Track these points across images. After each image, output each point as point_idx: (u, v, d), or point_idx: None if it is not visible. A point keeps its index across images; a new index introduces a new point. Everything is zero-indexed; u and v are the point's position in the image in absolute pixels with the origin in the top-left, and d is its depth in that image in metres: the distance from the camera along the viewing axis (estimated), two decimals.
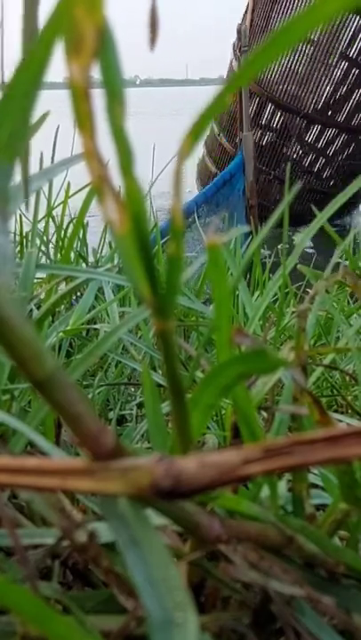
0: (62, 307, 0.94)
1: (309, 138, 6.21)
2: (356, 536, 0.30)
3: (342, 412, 0.69)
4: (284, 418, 0.33)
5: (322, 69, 5.81)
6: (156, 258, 1.09)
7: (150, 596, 0.18)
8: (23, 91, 0.20)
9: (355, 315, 0.91)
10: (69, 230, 1.07)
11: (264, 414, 0.49)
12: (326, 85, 5.93)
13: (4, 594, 0.17)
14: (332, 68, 5.86)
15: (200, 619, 0.27)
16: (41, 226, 1.03)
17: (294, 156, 6.18)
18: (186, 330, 0.96)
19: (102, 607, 0.27)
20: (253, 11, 5.91)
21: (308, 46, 5.76)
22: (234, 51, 5.93)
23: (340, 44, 5.79)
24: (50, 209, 1.08)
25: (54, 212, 1.09)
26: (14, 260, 0.62)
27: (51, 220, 1.08)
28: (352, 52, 5.88)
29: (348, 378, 0.73)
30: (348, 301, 1.13)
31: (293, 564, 0.27)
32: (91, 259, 1.20)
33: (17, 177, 0.23)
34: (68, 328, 0.68)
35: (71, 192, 1.09)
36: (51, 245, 1.08)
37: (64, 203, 1.09)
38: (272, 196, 6.08)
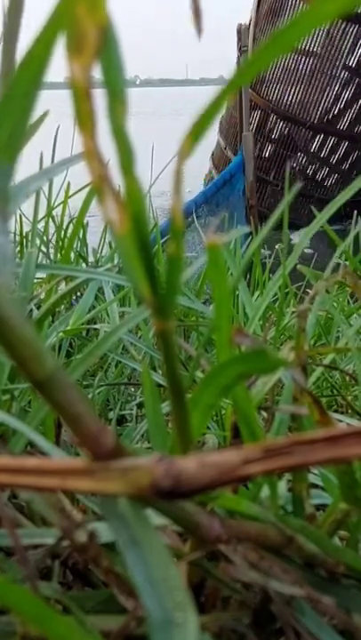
0: (62, 307, 0.94)
1: (313, 147, 6.19)
2: (356, 536, 0.30)
3: (342, 412, 0.69)
4: (284, 418, 0.33)
5: (324, 80, 5.80)
6: (156, 258, 1.09)
7: (150, 596, 0.18)
8: (23, 91, 0.20)
9: (355, 315, 0.91)
10: (69, 230, 1.07)
11: (264, 414, 0.49)
12: (329, 96, 5.92)
13: (4, 594, 0.17)
14: (334, 79, 5.85)
15: (200, 619, 0.27)
16: (41, 226, 1.03)
17: (299, 167, 6.16)
18: (186, 330, 0.96)
19: (102, 607, 0.27)
20: (256, 25, 5.91)
21: (310, 58, 5.75)
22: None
23: (341, 55, 5.78)
24: (50, 209, 1.07)
25: (54, 212, 1.09)
26: (14, 259, 0.62)
27: (51, 219, 1.08)
28: (352, 62, 5.86)
29: (348, 378, 0.73)
30: (349, 301, 1.13)
31: (293, 564, 0.27)
32: (91, 259, 1.20)
33: (17, 177, 0.23)
34: (68, 328, 0.68)
35: (71, 192, 1.09)
36: (51, 245, 1.08)
37: (64, 203, 1.09)
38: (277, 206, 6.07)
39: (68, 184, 1.08)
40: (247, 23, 5.71)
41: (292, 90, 5.84)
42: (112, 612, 0.27)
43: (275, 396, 0.37)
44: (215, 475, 0.21)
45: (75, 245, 1.06)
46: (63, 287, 0.75)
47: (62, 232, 1.09)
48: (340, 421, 0.51)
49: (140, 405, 0.75)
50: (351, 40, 5.72)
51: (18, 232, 1.10)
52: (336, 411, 0.71)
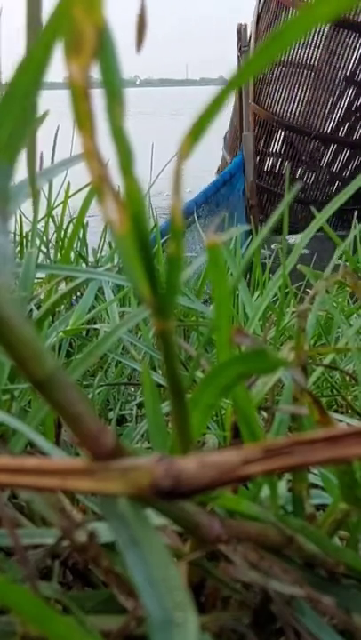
0: (62, 307, 0.94)
1: (317, 156, 6.15)
2: (356, 536, 0.30)
3: (342, 412, 0.69)
4: (284, 418, 0.33)
5: (326, 90, 5.76)
6: (156, 258, 1.09)
7: (150, 596, 0.18)
8: (23, 91, 0.20)
9: (355, 315, 0.91)
10: (69, 230, 1.07)
11: (264, 414, 0.49)
12: (331, 105, 5.88)
13: (4, 594, 0.17)
14: (336, 88, 5.82)
15: (200, 619, 0.27)
16: (41, 226, 1.03)
17: (304, 177, 6.13)
18: (186, 330, 0.96)
19: (102, 607, 0.27)
20: (256, 40, 5.88)
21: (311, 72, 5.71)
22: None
23: (341, 65, 5.74)
24: (50, 209, 1.08)
25: (54, 212, 1.09)
26: (14, 259, 0.62)
27: (51, 219, 1.08)
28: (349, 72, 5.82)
29: (348, 378, 0.73)
30: (348, 301, 1.13)
31: (293, 564, 0.27)
32: (91, 259, 1.20)
33: (17, 177, 0.23)
34: (68, 328, 0.68)
35: (71, 192, 1.09)
36: (51, 245, 1.08)
37: (64, 203, 1.09)
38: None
39: (68, 184, 1.08)
40: (247, 24, 5.70)
41: (296, 100, 5.81)
42: (112, 612, 0.27)
43: (275, 396, 0.37)
44: (215, 475, 0.21)
45: (75, 245, 1.06)
46: (63, 287, 0.75)
47: (62, 232, 1.09)
48: (341, 421, 0.51)
49: (140, 405, 0.75)
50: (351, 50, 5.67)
51: (18, 232, 1.10)
52: (336, 411, 0.71)
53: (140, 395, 0.79)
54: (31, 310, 0.66)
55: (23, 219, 1.11)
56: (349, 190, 0.50)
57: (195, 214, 4.27)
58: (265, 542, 0.26)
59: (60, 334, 0.67)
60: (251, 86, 5.38)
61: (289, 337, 0.80)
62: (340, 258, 0.61)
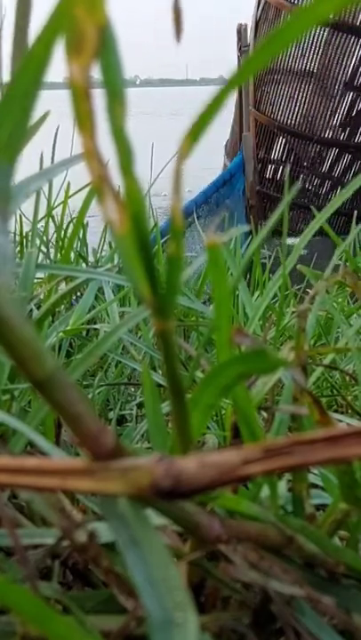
0: (62, 307, 0.94)
1: (318, 162, 6.13)
2: (356, 536, 0.30)
3: (342, 412, 0.69)
4: (284, 418, 0.33)
5: (326, 95, 5.75)
6: (156, 258, 1.09)
7: (150, 596, 0.18)
8: (23, 91, 0.20)
9: (355, 315, 0.91)
10: (69, 230, 1.07)
11: (264, 414, 0.49)
12: (332, 110, 5.87)
13: (4, 594, 0.17)
14: (335, 92, 5.80)
15: (200, 619, 0.27)
16: (41, 226, 1.03)
17: (306, 183, 6.12)
18: (186, 330, 0.96)
19: (102, 607, 0.27)
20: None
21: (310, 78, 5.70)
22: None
23: (341, 71, 5.73)
24: (50, 209, 1.07)
25: (54, 212, 1.09)
26: (14, 259, 0.62)
27: (51, 219, 1.08)
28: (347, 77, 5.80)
29: (348, 378, 0.73)
30: (348, 301, 1.13)
31: (293, 563, 0.27)
32: (91, 259, 1.20)
33: (17, 177, 0.23)
34: (68, 328, 0.68)
35: (71, 192, 1.09)
36: (51, 245, 1.08)
37: (64, 203, 1.09)
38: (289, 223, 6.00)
39: (68, 184, 1.08)
40: (247, 24, 5.69)
41: (296, 105, 5.80)
42: (112, 612, 0.27)
43: (275, 396, 0.37)
44: (215, 475, 0.21)
45: (75, 245, 1.06)
46: (63, 287, 0.75)
47: (62, 232, 1.09)
48: (341, 421, 0.51)
49: (140, 405, 0.75)
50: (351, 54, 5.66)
51: (18, 232, 1.10)
52: (336, 411, 0.71)
53: (140, 395, 0.79)
54: (31, 310, 0.66)
55: (23, 219, 1.11)
56: (349, 191, 0.50)
57: (195, 214, 4.27)
58: (265, 542, 0.26)
59: (60, 334, 0.67)
60: (251, 92, 5.37)
61: (289, 337, 0.79)
62: (340, 258, 0.61)
